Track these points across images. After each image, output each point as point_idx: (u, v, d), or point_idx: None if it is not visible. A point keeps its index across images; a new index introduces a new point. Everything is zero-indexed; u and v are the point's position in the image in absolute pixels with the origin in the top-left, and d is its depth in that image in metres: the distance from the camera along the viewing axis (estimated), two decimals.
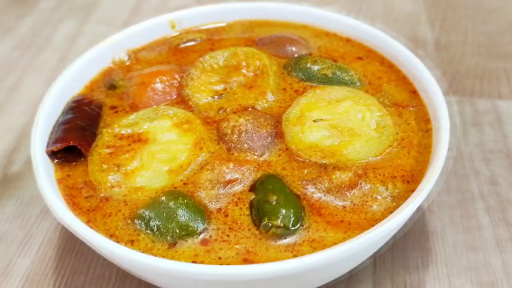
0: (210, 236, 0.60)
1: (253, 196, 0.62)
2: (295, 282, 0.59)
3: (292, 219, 0.59)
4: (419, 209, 0.76)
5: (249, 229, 0.60)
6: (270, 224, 0.58)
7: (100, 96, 0.76)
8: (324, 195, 0.63)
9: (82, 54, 0.79)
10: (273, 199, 0.60)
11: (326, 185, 0.63)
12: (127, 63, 0.81)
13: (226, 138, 0.68)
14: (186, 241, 0.59)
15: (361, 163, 0.65)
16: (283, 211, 0.59)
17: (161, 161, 0.65)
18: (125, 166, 0.65)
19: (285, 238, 0.59)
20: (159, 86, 0.75)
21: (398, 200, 0.62)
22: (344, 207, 0.62)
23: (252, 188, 0.63)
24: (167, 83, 0.75)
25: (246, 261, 0.57)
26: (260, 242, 0.59)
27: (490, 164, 0.83)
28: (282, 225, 0.59)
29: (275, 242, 0.59)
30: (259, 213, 0.60)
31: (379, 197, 0.62)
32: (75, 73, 0.76)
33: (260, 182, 0.63)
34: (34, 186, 0.81)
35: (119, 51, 0.82)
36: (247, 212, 0.62)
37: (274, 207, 0.60)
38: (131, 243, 0.59)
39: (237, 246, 0.59)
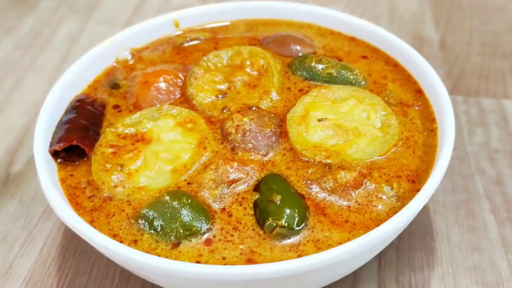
0: (214, 236, 0.59)
1: (257, 196, 0.62)
2: (300, 282, 0.58)
3: (297, 219, 0.59)
4: (424, 209, 0.76)
5: (253, 229, 0.60)
6: (274, 224, 0.58)
7: (103, 95, 0.76)
8: (329, 195, 0.62)
9: (85, 53, 0.79)
10: (278, 198, 0.60)
11: (331, 185, 0.62)
12: (131, 62, 0.81)
13: (230, 138, 0.67)
14: (190, 241, 0.59)
15: (366, 163, 0.65)
16: (288, 211, 0.59)
17: (165, 160, 0.65)
18: (128, 166, 0.65)
19: (290, 238, 0.59)
20: (163, 85, 0.74)
21: (403, 199, 0.62)
22: (349, 207, 0.61)
23: (256, 188, 0.63)
24: (171, 82, 0.75)
25: (250, 261, 0.57)
26: (264, 242, 0.59)
27: (495, 164, 0.83)
28: (286, 225, 0.58)
29: (280, 242, 0.59)
30: (263, 213, 0.60)
31: (384, 196, 0.62)
32: (78, 72, 0.76)
33: (265, 181, 0.63)
34: (37, 186, 0.81)
35: (123, 50, 0.82)
36: (251, 212, 0.61)
37: (279, 207, 0.59)
38: (134, 243, 0.59)
39: (241, 246, 0.58)
